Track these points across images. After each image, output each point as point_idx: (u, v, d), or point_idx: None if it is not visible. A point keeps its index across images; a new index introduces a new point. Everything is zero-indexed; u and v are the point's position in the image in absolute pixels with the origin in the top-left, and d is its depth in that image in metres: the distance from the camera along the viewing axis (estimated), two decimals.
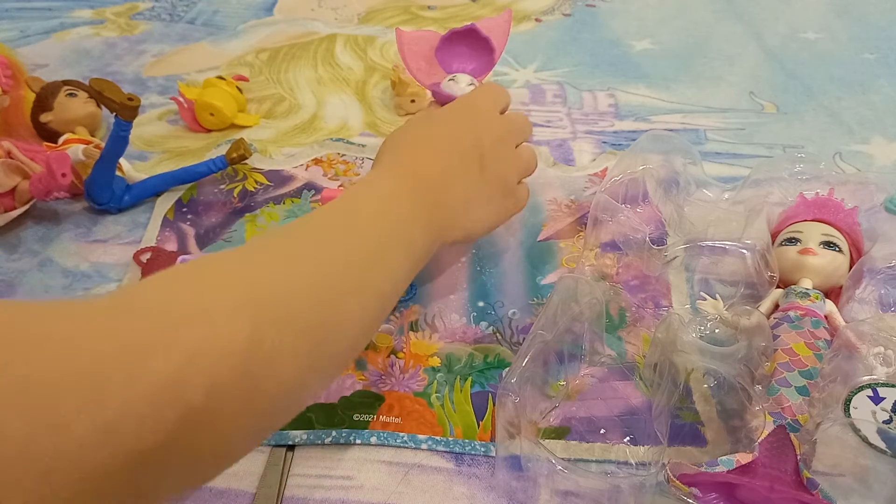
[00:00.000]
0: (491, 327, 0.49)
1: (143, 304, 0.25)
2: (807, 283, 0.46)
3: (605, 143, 0.68)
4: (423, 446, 0.42)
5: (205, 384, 0.23)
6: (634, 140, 0.59)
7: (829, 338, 0.43)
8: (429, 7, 0.98)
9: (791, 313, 0.44)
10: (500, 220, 0.47)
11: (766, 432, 0.37)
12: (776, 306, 0.46)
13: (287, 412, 0.30)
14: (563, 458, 0.39)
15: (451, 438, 0.42)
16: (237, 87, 0.75)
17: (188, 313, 0.25)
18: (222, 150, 0.67)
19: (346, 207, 0.37)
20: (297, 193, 0.63)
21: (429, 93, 0.71)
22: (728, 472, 0.36)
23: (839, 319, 0.44)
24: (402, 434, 0.42)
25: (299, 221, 0.35)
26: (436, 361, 0.47)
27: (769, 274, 0.48)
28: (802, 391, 0.39)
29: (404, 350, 0.48)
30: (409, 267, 0.38)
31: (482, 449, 0.42)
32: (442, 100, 0.50)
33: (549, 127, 0.71)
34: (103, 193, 0.60)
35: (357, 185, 0.41)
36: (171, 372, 0.22)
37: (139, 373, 0.22)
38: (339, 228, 0.35)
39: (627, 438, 0.42)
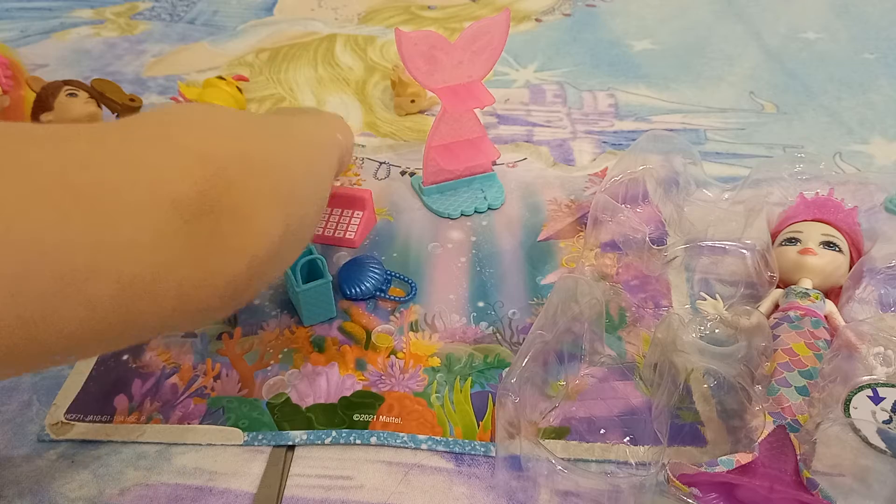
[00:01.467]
0: (491, 327, 0.49)
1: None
2: (807, 283, 0.46)
3: (605, 143, 0.68)
4: (423, 446, 0.42)
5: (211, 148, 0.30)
6: (634, 140, 0.59)
7: (828, 338, 0.43)
8: (429, 7, 0.98)
9: (791, 313, 0.44)
10: None
11: (766, 432, 0.37)
12: (776, 306, 0.46)
13: (287, 180, 0.35)
14: (563, 458, 0.39)
15: (451, 438, 0.42)
16: (237, 87, 0.75)
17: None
18: None
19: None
20: None
21: (429, 93, 0.71)
22: (728, 472, 0.36)
23: (839, 319, 0.44)
24: (402, 434, 0.42)
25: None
26: (436, 361, 0.47)
27: (769, 274, 0.48)
28: (802, 391, 0.39)
29: (404, 350, 0.48)
30: None
31: (482, 449, 0.42)
32: None
33: (549, 127, 0.71)
34: None
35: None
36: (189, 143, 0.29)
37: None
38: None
39: (627, 438, 0.42)
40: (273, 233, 0.32)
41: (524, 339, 0.43)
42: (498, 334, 0.49)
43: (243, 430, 0.43)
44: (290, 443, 0.42)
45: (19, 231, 0.22)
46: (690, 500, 0.36)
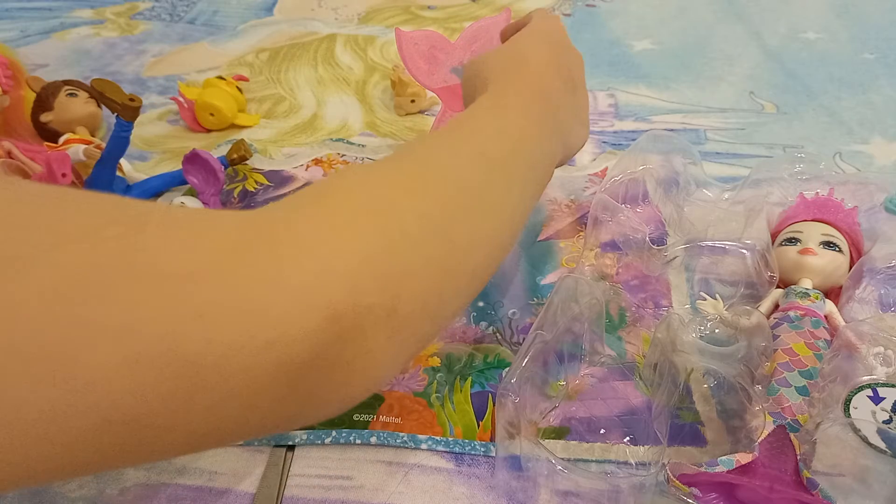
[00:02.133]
0: (491, 327, 0.49)
1: (278, 224, 0.25)
2: (807, 283, 0.46)
3: (605, 143, 0.68)
4: (423, 446, 0.42)
5: (345, 294, 0.23)
6: (634, 140, 0.59)
7: (828, 338, 0.43)
8: (429, 7, 0.98)
9: (791, 313, 0.44)
10: (585, 138, 0.47)
11: (766, 432, 0.37)
12: (776, 306, 0.46)
13: (428, 328, 0.30)
14: (563, 458, 0.39)
15: (451, 438, 0.42)
16: (237, 87, 0.75)
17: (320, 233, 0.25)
18: (222, 151, 0.67)
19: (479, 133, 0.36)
20: None
21: (429, 93, 0.71)
22: (728, 472, 0.36)
23: (839, 319, 0.44)
24: (401, 434, 0.42)
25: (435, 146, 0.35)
26: (436, 361, 0.47)
27: (769, 274, 0.48)
28: (802, 391, 0.39)
29: None
30: (538, 190, 0.40)
31: (482, 449, 0.42)
32: None
33: None
34: None
35: (484, 107, 0.39)
36: (312, 278, 0.23)
37: (281, 279, 0.22)
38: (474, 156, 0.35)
39: (627, 438, 0.42)
40: (391, 374, 0.27)
41: (524, 339, 0.43)
42: (498, 334, 0.49)
43: None
44: (290, 442, 0.42)
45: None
46: (690, 500, 0.36)
